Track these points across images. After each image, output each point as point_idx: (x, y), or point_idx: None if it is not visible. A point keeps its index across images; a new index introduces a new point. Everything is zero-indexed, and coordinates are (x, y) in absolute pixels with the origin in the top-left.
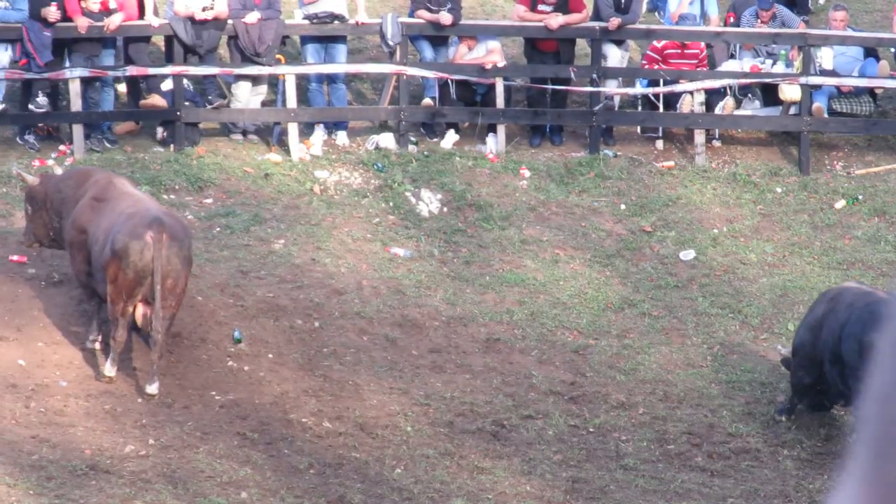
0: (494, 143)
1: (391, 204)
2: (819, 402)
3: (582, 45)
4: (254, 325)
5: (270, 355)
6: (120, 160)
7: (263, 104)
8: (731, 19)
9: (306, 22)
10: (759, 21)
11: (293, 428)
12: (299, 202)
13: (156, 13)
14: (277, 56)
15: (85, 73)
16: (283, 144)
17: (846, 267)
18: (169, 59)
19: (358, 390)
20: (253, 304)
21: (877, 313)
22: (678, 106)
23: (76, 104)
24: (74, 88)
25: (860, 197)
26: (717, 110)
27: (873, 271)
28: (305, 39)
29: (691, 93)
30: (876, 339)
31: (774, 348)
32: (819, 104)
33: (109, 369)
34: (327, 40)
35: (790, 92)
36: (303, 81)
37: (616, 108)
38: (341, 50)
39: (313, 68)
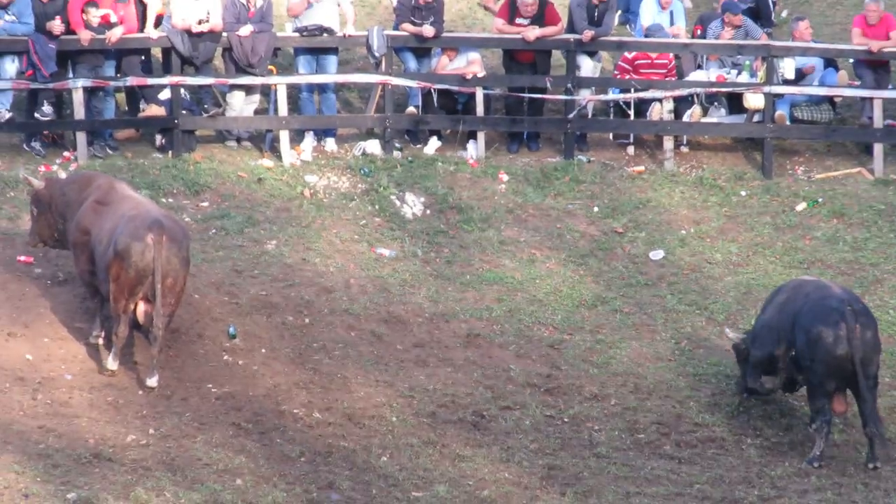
0: (475, 149)
1: (377, 207)
2: (760, 384)
3: (557, 57)
4: (248, 321)
5: (263, 350)
6: (121, 165)
7: (256, 112)
8: (699, 31)
9: (297, 35)
10: (725, 26)
11: (285, 418)
12: (290, 205)
13: (157, 25)
14: (269, 67)
15: (88, 83)
16: (275, 150)
17: (807, 266)
18: (167, 69)
19: (346, 383)
20: (247, 302)
21: (828, 307)
22: (648, 114)
23: (79, 113)
24: (78, 98)
25: (820, 200)
26: (685, 118)
27: (832, 270)
28: (298, 51)
29: (661, 101)
30: (822, 331)
31: (723, 332)
32: (781, 112)
33: (112, 363)
34: (319, 52)
35: (754, 100)
36: (294, 91)
37: (589, 116)
38: (332, 61)
39: (303, 78)
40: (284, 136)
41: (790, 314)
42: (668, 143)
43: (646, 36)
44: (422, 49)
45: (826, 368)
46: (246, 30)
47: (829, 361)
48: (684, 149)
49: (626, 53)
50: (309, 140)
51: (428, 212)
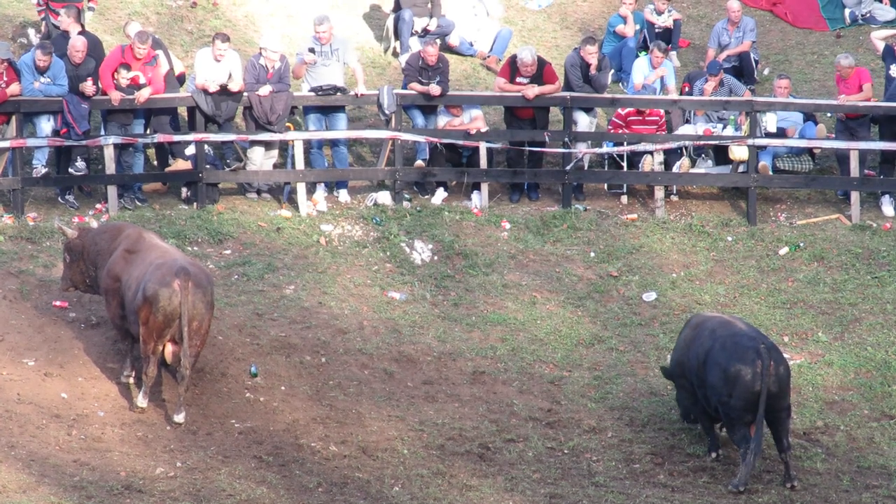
0: (479, 199)
1: (388, 253)
2: (688, 414)
3: (555, 113)
4: (268, 360)
5: (283, 387)
6: (149, 216)
7: (275, 166)
8: (686, 89)
9: (312, 94)
10: (707, 84)
11: (303, 451)
12: (307, 252)
13: (181, 79)
14: (287, 124)
15: (118, 140)
16: (292, 202)
17: (789, 306)
18: (192, 127)
19: (360, 418)
20: (267, 343)
21: (741, 345)
22: (640, 165)
23: (110, 168)
24: (109, 154)
25: (801, 244)
26: (675, 169)
27: (814, 310)
28: (308, 109)
29: (652, 153)
30: (741, 370)
31: (665, 358)
32: (764, 163)
33: (142, 401)
34: (329, 110)
35: (739, 152)
36: (309, 146)
37: (585, 168)
38: (341, 118)
39: (319, 134)
40: (301, 188)
41: (699, 352)
42: (659, 192)
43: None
44: (429, 106)
45: (744, 403)
46: (265, 90)
47: (748, 397)
48: (674, 198)
49: (619, 110)
50: (321, 191)
51: (435, 258)
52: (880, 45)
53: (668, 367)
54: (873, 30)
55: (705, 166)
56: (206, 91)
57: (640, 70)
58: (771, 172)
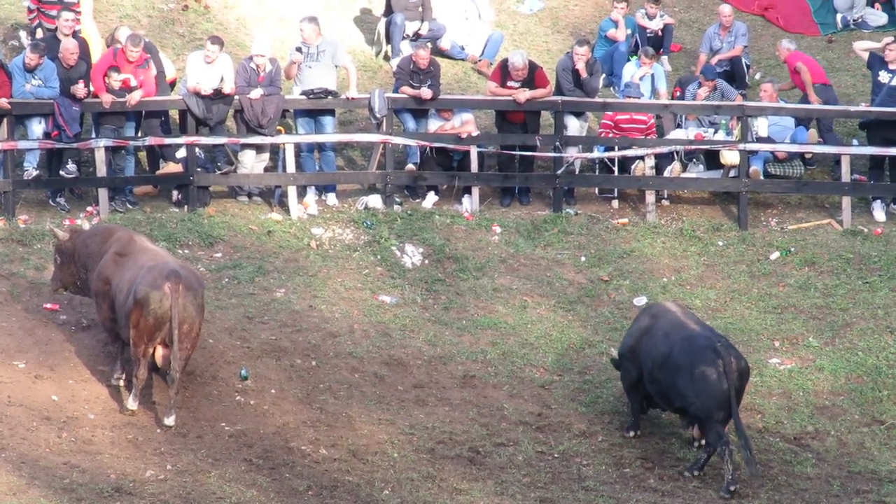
0: (469, 203)
1: (379, 257)
2: (641, 405)
3: (546, 117)
4: (258, 364)
5: (273, 391)
6: (140, 219)
7: (266, 170)
8: (678, 93)
9: (303, 97)
10: (700, 89)
11: (294, 455)
12: (298, 256)
13: (172, 86)
14: (278, 127)
15: (109, 142)
16: (283, 205)
17: (780, 311)
18: (183, 130)
19: (350, 421)
20: (258, 346)
21: (700, 346)
22: (631, 170)
23: (101, 170)
24: (100, 156)
25: (792, 249)
26: (666, 173)
27: (805, 315)
28: (297, 112)
29: (643, 158)
30: (705, 370)
31: (607, 350)
32: (755, 167)
33: (132, 403)
34: (317, 113)
35: (730, 157)
36: (299, 149)
37: (576, 172)
38: (329, 121)
39: (310, 138)
40: (292, 191)
41: (654, 354)
42: (650, 196)
43: (624, 94)
44: (420, 110)
45: (714, 402)
46: (256, 93)
47: (717, 395)
48: (665, 202)
49: (608, 112)
50: (311, 195)
51: (426, 261)
52: (864, 56)
53: (616, 358)
54: (865, 35)
55: (696, 171)
56: (197, 94)
57: (630, 74)
58: (762, 177)
